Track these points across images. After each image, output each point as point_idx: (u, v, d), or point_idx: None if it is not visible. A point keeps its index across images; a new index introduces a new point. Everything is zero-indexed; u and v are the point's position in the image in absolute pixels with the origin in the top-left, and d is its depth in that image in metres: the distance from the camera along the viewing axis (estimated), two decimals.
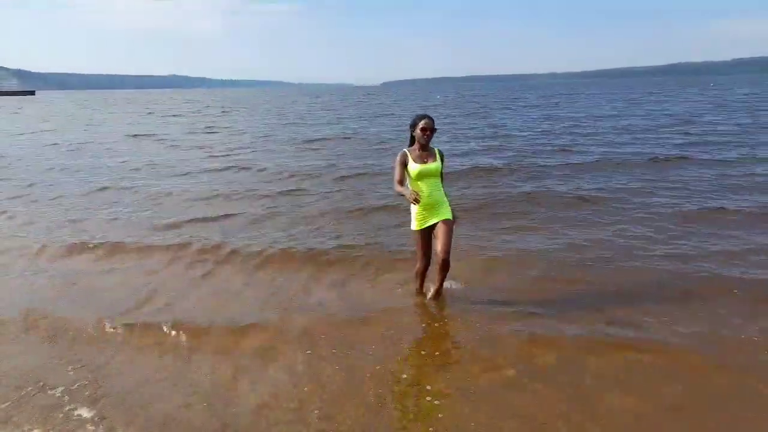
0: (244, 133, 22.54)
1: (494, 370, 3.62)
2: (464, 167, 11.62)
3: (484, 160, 12.72)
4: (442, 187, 4.56)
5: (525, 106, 37.30)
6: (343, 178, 11.08)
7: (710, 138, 15.57)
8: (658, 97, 46.00)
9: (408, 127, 4.51)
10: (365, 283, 5.32)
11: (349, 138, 19.03)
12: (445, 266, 4.45)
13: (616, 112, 28.00)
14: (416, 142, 4.44)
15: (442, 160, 4.52)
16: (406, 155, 4.46)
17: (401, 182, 4.38)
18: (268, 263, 5.92)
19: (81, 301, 4.99)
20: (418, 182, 4.42)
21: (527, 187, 9.52)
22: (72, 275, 5.68)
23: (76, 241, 6.74)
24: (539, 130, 20.12)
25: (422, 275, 4.82)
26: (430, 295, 4.76)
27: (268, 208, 8.53)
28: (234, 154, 15.34)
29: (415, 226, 4.56)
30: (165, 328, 4.31)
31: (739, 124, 19.43)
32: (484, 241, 6.45)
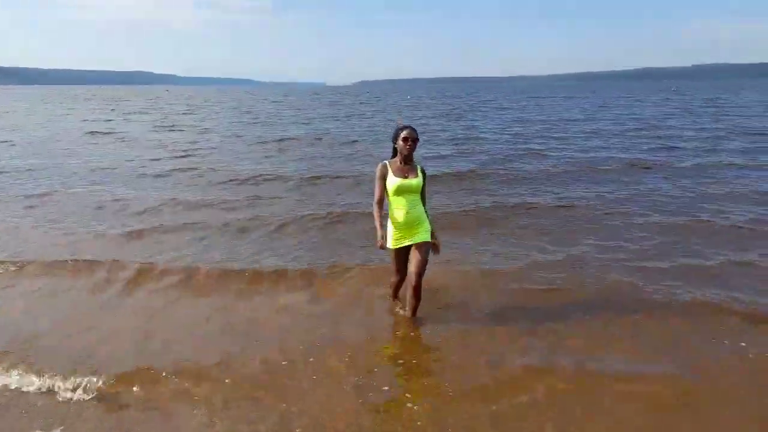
0: (209, 131, 21.85)
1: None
2: (436, 173, 11.20)
3: (456, 165, 12.43)
4: (423, 204, 4.32)
5: (497, 109, 37.37)
6: (308, 180, 10.60)
7: (678, 143, 15.69)
8: (627, 101, 46.81)
9: (391, 139, 4.29)
10: (317, 305, 4.87)
11: (319, 139, 18.52)
12: (417, 292, 4.32)
13: (583, 116, 28.28)
14: (399, 153, 4.21)
15: (424, 178, 4.29)
16: (386, 167, 4.23)
17: (380, 202, 4.19)
18: (196, 286, 5.30)
19: None
20: (397, 197, 4.18)
21: (499, 195, 9.24)
22: None
23: None
24: (512, 132, 20.06)
25: (396, 288, 4.69)
26: (405, 312, 4.52)
27: (221, 218, 7.80)
28: (195, 155, 14.71)
29: (390, 243, 4.29)
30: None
31: (704, 129, 19.77)
32: (456, 252, 6.10)
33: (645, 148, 14.89)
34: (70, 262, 5.84)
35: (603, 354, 3.90)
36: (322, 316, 4.60)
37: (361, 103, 52.43)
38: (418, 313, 4.43)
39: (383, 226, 4.15)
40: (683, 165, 11.91)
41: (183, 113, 35.50)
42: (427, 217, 4.31)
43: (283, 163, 13.13)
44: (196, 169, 12.06)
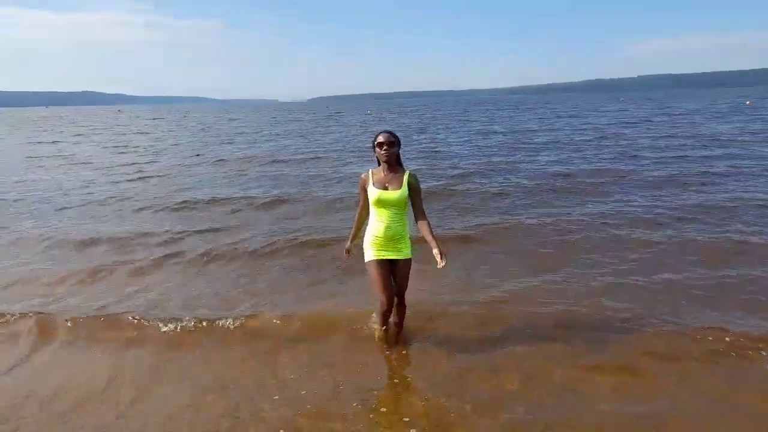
0: (162, 152, 20.65)
1: None
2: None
3: (427, 182, 11.80)
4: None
5: (459, 121, 37.41)
6: (265, 205, 9.75)
7: (644, 153, 15.76)
8: (579, 111, 47.91)
9: (371, 147, 3.92)
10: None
11: (277, 159, 17.57)
12: (401, 306, 4.14)
13: (542, 127, 28.54)
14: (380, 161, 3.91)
15: (411, 188, 3.83)
16: (367, 177, 3.90)
17: (361, 213, 4.02)
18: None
19: None
20: (377, 209, 3.86)
21: (479, 213, 8.75)
22: None
23: None
24: (478, 144, 19.91)
25: (385, 317, 4.10)
26: (391, 330, 4.24)
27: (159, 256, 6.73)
28: (144, 178, 13.70)
29: (367, 255, 3.95)
30: None
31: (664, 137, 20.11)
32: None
33: (609, 157, 14.87)
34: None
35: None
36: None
37: (323, 118, 51.81)
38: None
39: (355, 237, 4.11)
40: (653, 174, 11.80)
41: (137, 132, 33.95)
42: (431, 231, 3.79)
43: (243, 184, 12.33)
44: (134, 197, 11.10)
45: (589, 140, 20.02)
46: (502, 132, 26.10)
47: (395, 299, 3.99)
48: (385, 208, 3.80)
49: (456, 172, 13.09)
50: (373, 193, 3.79)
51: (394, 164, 3.84)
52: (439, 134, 25.84)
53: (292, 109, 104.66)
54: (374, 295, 4.02)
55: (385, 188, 3.78)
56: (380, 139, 3.78)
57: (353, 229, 4.12)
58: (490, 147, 18.96)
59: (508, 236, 7.32)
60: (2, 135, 35.24)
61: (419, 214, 3.88)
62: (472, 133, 26.17)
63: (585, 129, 25.96)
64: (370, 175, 3.87)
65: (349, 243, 4.11)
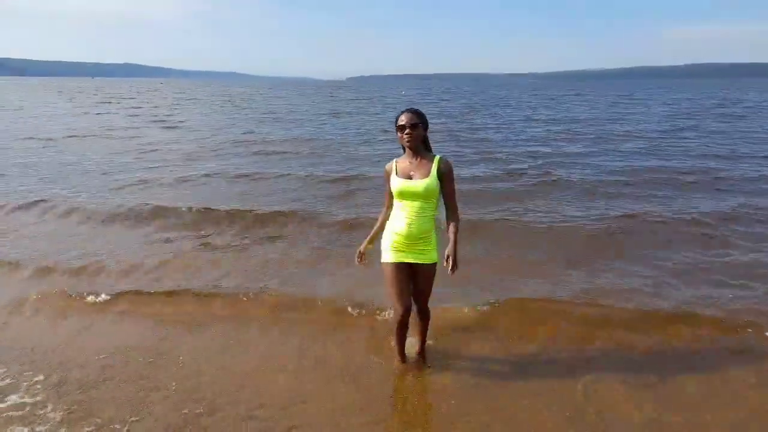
0: (203, 132, 19.94)
1: None
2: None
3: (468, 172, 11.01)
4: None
5: (503, 106, 36.19)
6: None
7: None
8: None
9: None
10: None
11: (319, 140, 17.04)
12: (423, 314, 3.61)
13: (601, 115, 27.22)
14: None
15: (442, 176, 3.23)
16: (391, 168, 3.37)
17: (386, 212, 3.47)
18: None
19: None
20: (399, 202, 3.32)
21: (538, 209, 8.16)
22: None
23: None
24: (525, 136, 18.66)
25: (400, 332, 3.52)
26: (414, 351, 3.75)
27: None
28: (180, 165, 12.15)
29: (384, 256, 3.41)
30: None
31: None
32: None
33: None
34: None
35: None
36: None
37: (364, 99, 51.19)
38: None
39: (374, 239, 3.56)
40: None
41: (177, 107, 34.18)
42: (456, 230, 3.27)
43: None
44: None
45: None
46: (553, 119, 24.92)
47: (414, 307, 3.47)
48: (408, 201, 3.25)
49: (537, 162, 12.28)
50: (395, 183, 3.25)
51: (419, 149, 3.26)
52: (486, 121, 24.95)
53: (334, 88, 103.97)
54: (388, 302, 3.60)
55: (409, 178, 3.24)
56: (401, 120, 3.22)
57: (374, 230, 3.56)
58: (544, 138, 18.00)
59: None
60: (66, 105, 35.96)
61: (449, 206, 3.33)
62: (520, 120, 25.03)
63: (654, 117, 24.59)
64: (394, 165, 3.34)
65: (364, 245, 3.57)
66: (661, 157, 13.19)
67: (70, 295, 4.90)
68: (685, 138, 17.24)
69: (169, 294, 4.91)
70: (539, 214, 7.73)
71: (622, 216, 7.56)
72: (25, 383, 3.47)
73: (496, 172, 11.11)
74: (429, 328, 3.70)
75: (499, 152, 13.95)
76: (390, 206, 3.42)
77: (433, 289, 3.51)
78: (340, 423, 3.08)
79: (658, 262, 5.77)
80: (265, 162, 12.71)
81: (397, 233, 3.31)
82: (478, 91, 75.27)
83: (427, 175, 3.20)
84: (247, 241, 6.59)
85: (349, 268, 5.19)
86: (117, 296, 4.86)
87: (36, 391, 3.37)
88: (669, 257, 5.92)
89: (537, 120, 24.89)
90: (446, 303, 4.41)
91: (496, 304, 4.62)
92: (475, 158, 12.98)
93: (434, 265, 3.38)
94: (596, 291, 5.00)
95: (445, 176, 3.24)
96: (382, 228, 3.50)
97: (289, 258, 6.00)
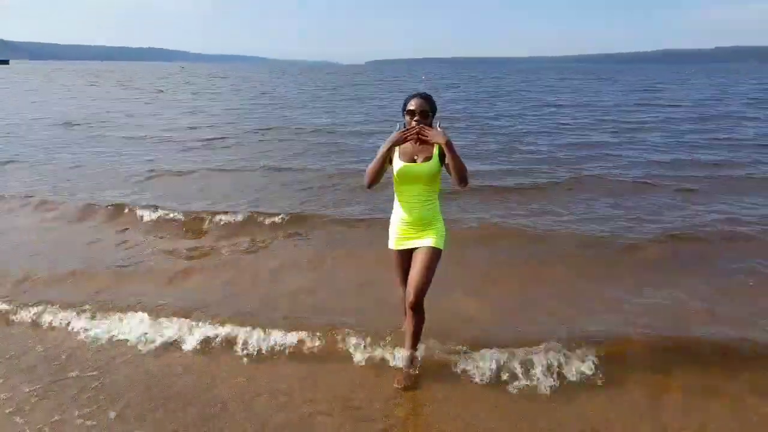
0: (225, 121, 18.76)
1: None
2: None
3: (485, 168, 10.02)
4: (438, 200, 3.31)
5: (523, 91, 35.32)
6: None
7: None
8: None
9: (401, 111, 3.26)
10: None
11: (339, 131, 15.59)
12: (415, 312, 3.26)
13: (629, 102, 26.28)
14: None
15: (442, 156, 3.14)
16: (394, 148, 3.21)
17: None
18: None
19: None
20: (402, 186, 3.24)
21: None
22: None
23: None
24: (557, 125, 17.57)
25: (404, 304, 3.50)
26: (404, 358, 3.43)
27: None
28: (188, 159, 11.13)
29: (390, 244, 3.41)
30: None
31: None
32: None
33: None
34: None
35: None
36: None
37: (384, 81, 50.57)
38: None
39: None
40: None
41: (201, 93, 33.86)
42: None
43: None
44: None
45: None
46: (578, 105, 23.97)
47: (411, 296, 3.17)
48: (411, 185, 3.18)
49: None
50: (398, 165, 3.16)
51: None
52: (503, 107, 24.12)
53: (354, 73, 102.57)
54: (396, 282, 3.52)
55: (413, 161, 3.17)
56: (412, 105, 3.13)
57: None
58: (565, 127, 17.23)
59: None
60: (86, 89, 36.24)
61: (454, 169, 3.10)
62: (549, 107, 23.99)
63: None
64: (396, 146, 3.20)
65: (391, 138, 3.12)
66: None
67: None
68: None
69: None
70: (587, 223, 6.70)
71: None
72: None
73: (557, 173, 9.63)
74: (422, 331, 3.38)
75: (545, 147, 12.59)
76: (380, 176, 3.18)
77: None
78: None
79: None
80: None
81: (403, 220, 3.27)
82: (503, 75, 73.87)
83: (429, 157, 3.16)
84: None
85: None
86: None
87: None
88: None
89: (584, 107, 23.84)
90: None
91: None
92: (508, 153, 11.80)
93: (436, 251, 3.21)
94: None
95: (446, 159, 3.14)
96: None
97: None
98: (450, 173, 3.10)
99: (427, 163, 3.14)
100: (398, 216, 3.30)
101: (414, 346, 3.41)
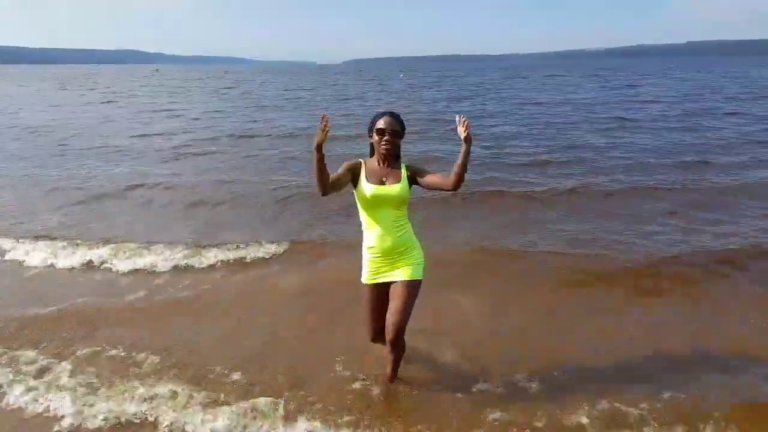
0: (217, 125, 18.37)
1: None
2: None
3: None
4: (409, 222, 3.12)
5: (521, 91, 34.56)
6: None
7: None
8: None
9: (367, 130, 3.07)
10: None
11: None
12: (395, 346, 3.14)
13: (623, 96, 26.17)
14: (376, 152, 3.03)
15: (414, 175, 3.03)
16: (359, 165, 3.02)
17: (329, 173, 2.87)
18: None
19: None
20: (372, 212, 2.99)
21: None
22: None
23: None
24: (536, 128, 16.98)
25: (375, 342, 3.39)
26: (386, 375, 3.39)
27: None
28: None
29: (363, 278, 3.16)
30: None
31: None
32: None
33: None
34: None
35: None
36: None
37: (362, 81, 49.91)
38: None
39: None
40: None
41: (171, 98, 32.74)
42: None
43: None
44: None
45: None
46: (558, 100, 23.66)
47: (390, 333, 3.03)
48: (381, 209, 2.97)
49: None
50: (367, 189, 2.93)
51: (393, 158, 3.02)
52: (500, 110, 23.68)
53: (331, 72, 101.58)
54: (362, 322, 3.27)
55: (382, 183, 2.97)
56: (381, 124, 2.94)
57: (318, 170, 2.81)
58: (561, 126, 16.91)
59: None
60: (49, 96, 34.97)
61: (441, 174, 3.01)
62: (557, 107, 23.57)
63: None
64: (363, 166, 3.02)
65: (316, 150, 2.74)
66: None
67: None
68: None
69: None
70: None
71: None
72: None
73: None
74: (401, 360, 3.31)
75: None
76: (335, 184, 2.88)
77: None
78: None
79: None
80: None
81: (373, 249, 3.04)
82: (485, 73, 73.68)
83: (398, 180, 2.98)
84: None
85: None
86: None
87: None
88: None
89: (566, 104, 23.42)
90: None
91: None
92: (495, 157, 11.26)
93: (415, 283, 3.03)
94: None
95: (417, 171, 3.04)
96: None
97: None
98: (434, 182, 2.98)
99: (396, 184, 2.96)
100: (366, 246, 3.07)
101: (393, 378, 3.34)
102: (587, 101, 24.58)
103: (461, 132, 2.81)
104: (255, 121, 18.82)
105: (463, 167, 2.86)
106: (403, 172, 3.01)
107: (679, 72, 60.49)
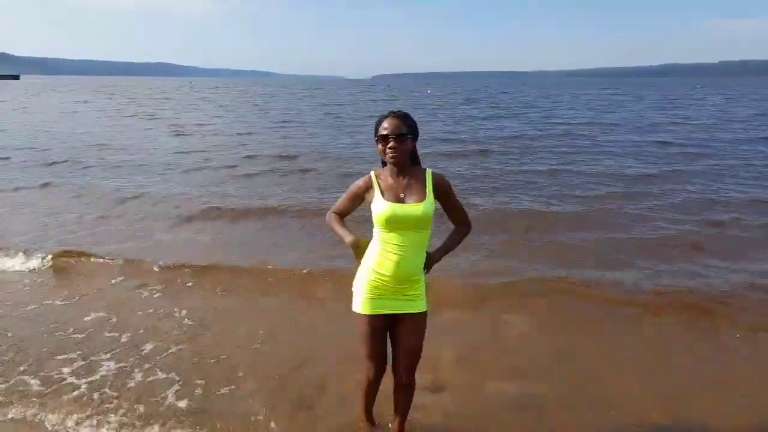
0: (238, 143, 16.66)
1: None
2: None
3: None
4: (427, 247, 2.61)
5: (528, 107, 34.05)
6: None
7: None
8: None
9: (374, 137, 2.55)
10: None
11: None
12: (409, 387, 2.73)
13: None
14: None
15: (440, 191, 2.54)
16: (370, 182, 2.55)
17: (341, 213, 2.67)
18: None
19: None
20: (387, 233, 2.49)
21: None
22: None
23: None
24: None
25: (370, 391, 2.87)
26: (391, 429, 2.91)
27: None
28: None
29: (360, 306, 2.60)
30: None
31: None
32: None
33: None
34: None
35: None
36: None
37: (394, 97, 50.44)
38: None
39: (349, 233, 2.60)
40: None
41: (207, 109, 33.14)
42: (460, 239, 2.71)
43: None
44: None
45: None
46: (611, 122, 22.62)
47: (403, 377, 2.66)
48: (399, 231, 2.46)
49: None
50: (383, 207, 2.44)
51: (406, 165, 2.52)
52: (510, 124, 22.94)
53: (358, 87, 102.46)
54: (359, 357, 2.73)
55: (400, 200, 2.47)
56: (384, 128, 2.44)
57: (336, 222, 2.65)
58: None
59: None
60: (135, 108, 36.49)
61: (460, 218, 2.67)
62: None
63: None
64: (375, 182, 2.53)
65: (350, 235, 2.58)
66: None
67: None
68: None
69: None
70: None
71: None
72: None
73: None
74: (410, 408, 2.83)
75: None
76: (343, 210, 2.67)
77: None
78: None
79: None
80: None
81: (382, 273, 2.51)
82: (515, 90, 73.12)
83: (422, 195, 2.46)
84: None
85: None
86: None
87: None
88: None
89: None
90: None
91: None
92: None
93: (425, 315, 2.62)
94: None
95: (445, 193, 2.55)
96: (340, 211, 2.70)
97: None
98: (453, 217, 2.70)
99: (420, 203, 2.44)
100: (373, 268, 2.54)
101: (404, 423, 2.85)
102: None
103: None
104: None
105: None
106: (429, 184, 2.50)
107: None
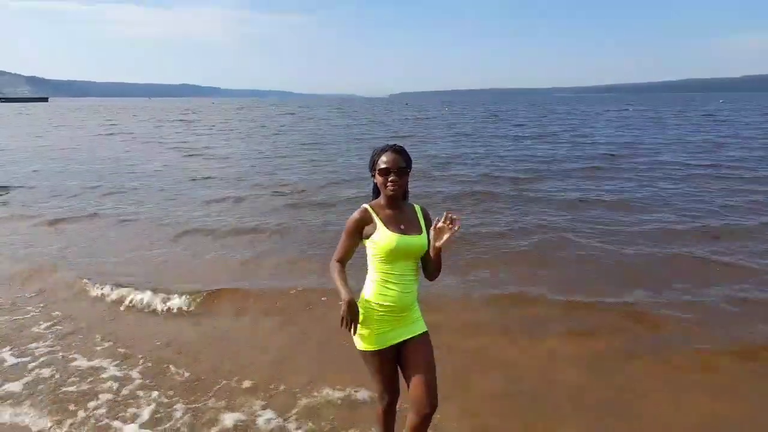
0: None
1: None
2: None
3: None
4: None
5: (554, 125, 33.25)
6: None
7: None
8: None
9: (368, 167, 2.62)
10: None
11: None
12: (429, 417, 2.50)
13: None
14: (382, 194, 2.59)
15: (426, 227, 2.59)
16: (367, 214, 2.55)
17: (342, 261, 2.57)
18: None
19: None
20: (390, 265, 2.53)
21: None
22: None
23: None
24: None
25: (388, 419, 2.79)
26: None
27: None
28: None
29: (368, 342, 2.57)
30: None
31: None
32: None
33: None
34: None
35: None
36: None
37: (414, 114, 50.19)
38: None
39: (348, 291, 2.42)
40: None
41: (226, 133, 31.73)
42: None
43: None
44: None
45: None
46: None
47: (425, 407, 2.46)
48: (401, 261, 2.52)
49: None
50: (388, 238, 2.47)
51: (400, 200, 2.59)
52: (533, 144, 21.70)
53: (386, 106, 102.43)
54: (373, 390, 2.79)
55: (402, 231, 2.52)
56: (385, 162, 2.50)
57: (337, 274, 2.51)
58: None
59: None
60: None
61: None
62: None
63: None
64: (373, 215, 2.55)
65: (349, 293, 2.41)
66: None
67: None
68: None
69: None
70: None
71: None
72: None
73: None
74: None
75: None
76: (345, 256, 2.59)
77: None
78: None
79: None
80: None
81: (388, 306, 2.53)
82: (531, 107, 72.68)
83: (418, 227, 2.59)
84: None
85: None
86: None
87: None
88: None
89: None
90: None
91: None
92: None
93: (428, 334, 2.65)
94: None
95: (428, 226, 2.59)
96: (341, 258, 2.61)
97: None
98: (426, 267, 2.65)
99: (419, 235, 2.55)
100: (377, 301, 2.55)
101: None
102: None
103: (442, 239, 2.48)
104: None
105: (439, 264, 2.60)
106: (420, 219, 2.64)
107: None
